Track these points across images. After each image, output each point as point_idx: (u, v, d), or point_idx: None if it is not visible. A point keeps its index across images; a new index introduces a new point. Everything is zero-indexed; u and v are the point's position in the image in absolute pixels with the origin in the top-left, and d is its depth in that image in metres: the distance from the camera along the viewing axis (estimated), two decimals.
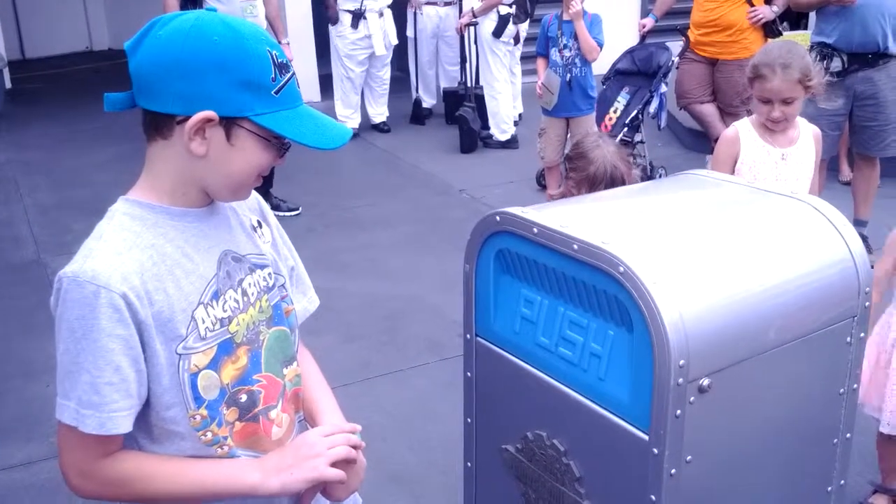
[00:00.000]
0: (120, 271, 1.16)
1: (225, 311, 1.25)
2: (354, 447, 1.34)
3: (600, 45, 4.92)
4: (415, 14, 7.21)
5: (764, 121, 2.76)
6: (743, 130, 2.83)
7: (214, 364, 1.24)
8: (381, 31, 6.70)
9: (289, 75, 1.21)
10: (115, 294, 1.14)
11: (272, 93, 1.18)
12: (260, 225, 1.40)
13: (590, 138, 2.90)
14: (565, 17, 4.93)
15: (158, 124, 1.20)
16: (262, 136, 1.21)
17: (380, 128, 7.19)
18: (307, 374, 1.46)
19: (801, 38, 6.79)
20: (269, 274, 1.35)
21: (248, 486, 1.26)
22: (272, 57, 1.19)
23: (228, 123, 1.18)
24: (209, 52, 1.15)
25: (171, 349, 1.20)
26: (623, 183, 2.68)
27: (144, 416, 1.22)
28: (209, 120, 1.16)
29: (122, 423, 1.18)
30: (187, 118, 1.16)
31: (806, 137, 2.83)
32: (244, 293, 1.29)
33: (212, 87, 1.15)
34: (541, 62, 5.14)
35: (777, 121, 2.73)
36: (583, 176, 2.63)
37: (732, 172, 2.82)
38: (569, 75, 4.93)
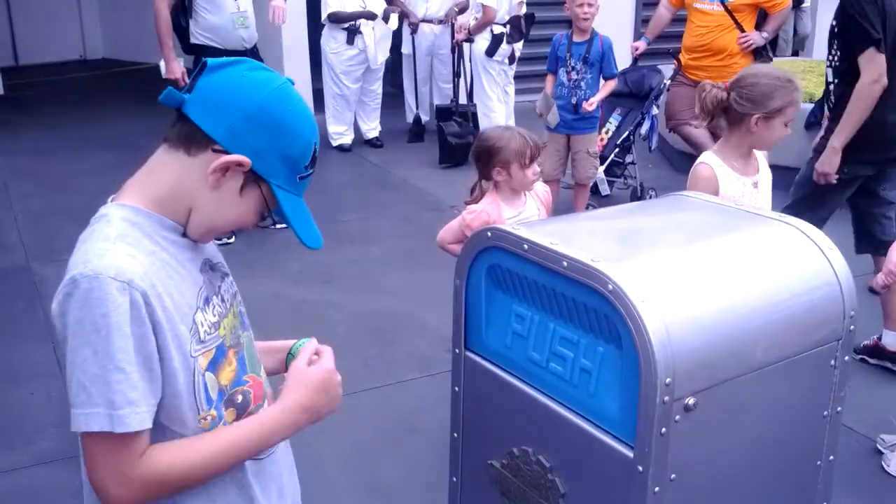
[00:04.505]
0: (138, 271, 1.17)
1: (214, 315, 1.30)
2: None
3: (614, 75, 5.02)
4: (412, 31, 7.25)
5: (767, 145, 2.65)
6: (716, 166, 2.69)
7: (213, 366, 1.27)
8: (375, 45, 6.76)
9: (313, 170, 1.31)
10: (137, 292, 1.15)
11: (298, 177, 1.28)
12: None
13: (488, 131, 2.87)
14: (575, 39, 4.96)
15: (195, 139, 1.23)
16: (267, 203, 1.28)
17: (372, 143, 7.20)
18: None
19: (788, 65, 6.88)
20: (232, 281, 1.40)
21: (281, 433, 1.30)
22: (314, 150, 1.29)
23: (253, 178, 1.25)
24: (280, 115, 1.24)
25: (185, 352, 1.22)
26: (539, 151, 2.67)
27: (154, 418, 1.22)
28: (240, 165, 1.22)
29: (151, 419, 1.17)
30: (225, 152, 1.22)
31: (762, 161, 2.76)
32: (222, 299, 1.34)
33: (263, 143, 1.23)
34: (549, 78, 5.17)
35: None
36: (504, 158, 2.64)
37: None
38: (574, 97, 4.96)
